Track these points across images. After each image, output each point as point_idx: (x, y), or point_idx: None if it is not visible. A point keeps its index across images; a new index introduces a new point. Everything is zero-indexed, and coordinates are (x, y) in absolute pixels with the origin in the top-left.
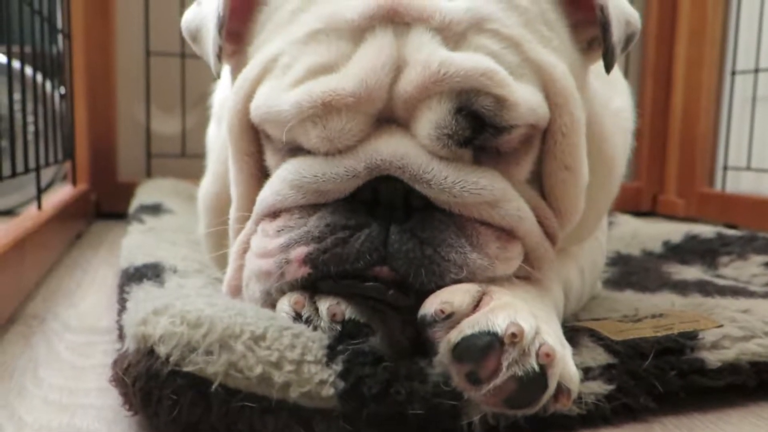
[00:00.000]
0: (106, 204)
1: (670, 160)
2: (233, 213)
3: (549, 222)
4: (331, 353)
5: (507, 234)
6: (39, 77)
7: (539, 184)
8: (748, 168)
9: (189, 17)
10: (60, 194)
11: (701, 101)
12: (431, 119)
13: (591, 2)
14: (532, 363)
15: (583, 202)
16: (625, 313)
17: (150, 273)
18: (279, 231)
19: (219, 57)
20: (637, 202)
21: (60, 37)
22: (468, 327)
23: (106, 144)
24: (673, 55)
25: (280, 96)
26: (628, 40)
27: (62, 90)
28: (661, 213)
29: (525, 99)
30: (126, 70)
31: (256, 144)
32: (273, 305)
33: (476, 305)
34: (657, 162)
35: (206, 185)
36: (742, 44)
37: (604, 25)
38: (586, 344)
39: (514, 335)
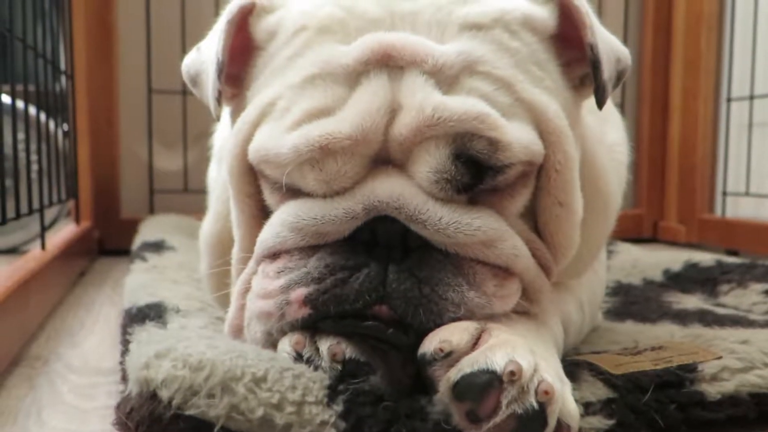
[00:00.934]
0: (109, 241)
1: (670, 187)
2: (236, 254)
3: (543, 256)
4: (332, 393)
5: (504, 271)
6: (42, 116)
7: (533, 218)
8: (747, 193)
9: (188, 62)
10: (63, 233)
11: (698, 129)
12: (429, 163)
13: (581, 41)
14: (531, 401)
15: (577, 238)
16: (625, 345)
17: (153, 314)
18: (279, 272)
19: (218, 100)
20: (638, 229)
21: (63, 76)
22: (467, 365)
23: (109, 182)
24: (668, 84)
25: (278, 139)
26: (619, 76)
27: (65, 127)
28: (663, 239)
29: (518, 138)
30: (128, 109)
31: (256, 185)
32: (274, 345)
33: (475, 343)
34: (657, 189)
35: (207, 225)
36: (737, 72)
37: (595, 64)
38: (586, 378)
39: (512, 373)
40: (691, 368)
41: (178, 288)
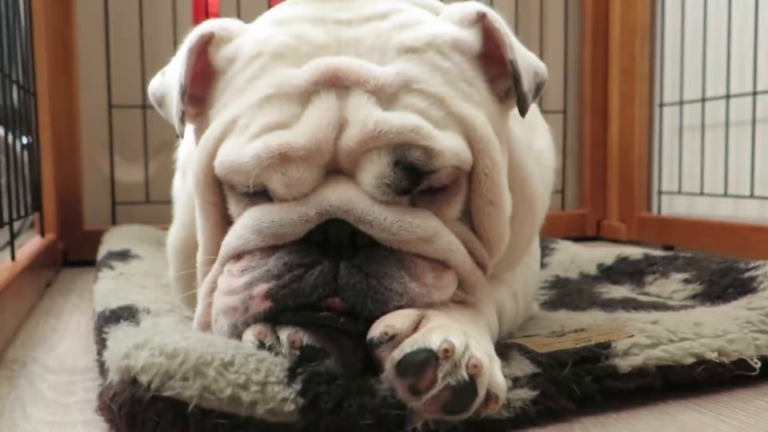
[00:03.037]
0: (73, 252)
1: (611, 187)
2: (200, 257)
3: (479, 252)
4: (292, 375)
5: (441, 265)
6: (1, 130)
7: (469, 220)
8: (680, 192)
9: (154, 86)
10: (30, 244)
11: (635, 132)
12: (373, 171)
13: (503, 58)
14: (463, 374)
15: (508, 233)
16: (553, 329)
17: (126, 314)
18: (243, 271)
19: (182, 120)
20: (583, 228)
21: (16, 88)
22: (408, 346)
23: (72, 195)
24: (607, 90)
25: (240, 150)
26: (538, 88)
27: (24, 140)
28: (606, 237)
29: (449, 146)
30: (90, 123)
31: (220, 195)
32: (239, 337)
33: (416, 327)
34: (599, 190)
35: (174, 233)
36: (668, 79)
37: (515, 77)
38: (515, 357)
39: (446, 351)
40: (605, 346)
41: (146, 292)
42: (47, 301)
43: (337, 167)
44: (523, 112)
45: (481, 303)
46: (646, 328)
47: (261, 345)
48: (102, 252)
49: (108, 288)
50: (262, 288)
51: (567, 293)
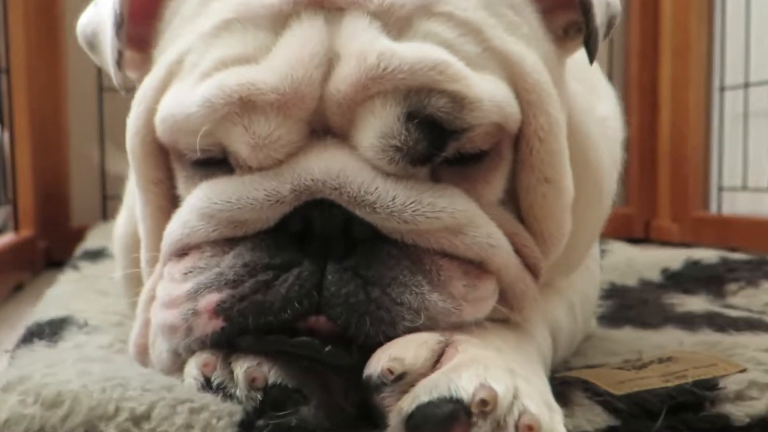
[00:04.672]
0: (58, 252)
1: (662, 183)
2: (143, 254)
3: (529, 250)
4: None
5: (476, 268)
6: None
7: (515, 205)
8: (745, 188)
9: (84, 21)
10: None
11: (689, 120)
12: (375, 126)
13: None
14: None
15: (569, 223)
16: (626, 356)
17: (47, 331)
18: (186, 274)
19: (119, 64)
20: (628, 229)
21: None
22: (424, 392)
23: (56, 187)
24: (657, 74)
25: (186, 97)
26: (610, 23)
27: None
28: (655, 239)
29: (489, 93)
30: (78, 107)
31: (165, 170)
32: (183, 369)
33: (437, 361)
34: (648, 186)
35: (120, 223)
36: (730, 59)
37: (585, 6)
38: (581, 402)
39: (484, 402)
40: (710, 385)
41: (100, 300)
42: (11, 307)
43: (324, 124)
44: (592, 54)
45: (530, 323)
46: (760, 358)
47: (206, 384)
48: (79, 250)
49: (56, 294)
50: (210, 299)
51: (628, 305)
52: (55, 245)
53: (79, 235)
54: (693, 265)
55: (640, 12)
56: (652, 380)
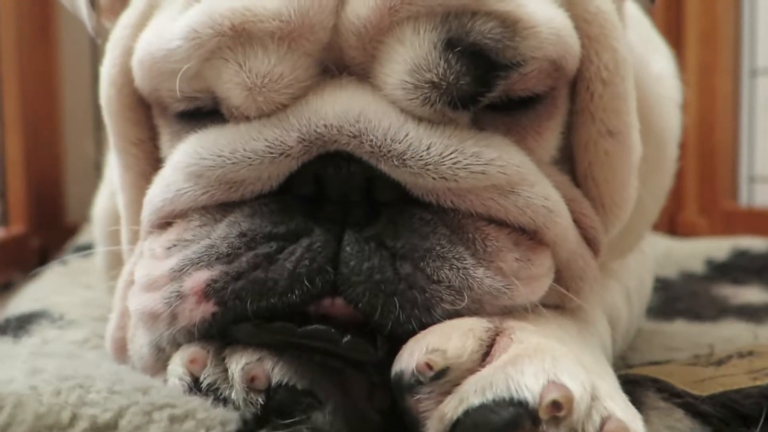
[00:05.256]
0: (53, 250)
1: (688, 174)
2: (124, 231)
3: (589, 221)
4: None
5: (529, 238)
6: None
7: (570, 167)
8: None
9: None
10: None
11: (717, 107)
12: (405, 58)
13: None
14: None
15: (634, 189)
16: (694, 351)
17: (13, 325)
18: (170, 248)
19: (93, 4)
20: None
21: None
22: (475, 392)
23: (50, 181)
24: (683, 59)
25: (166, 30)
26: None
27: None
28: (682, 235)
29: (546, 18)
30: (73, 96)
31: (147, 128)
32: (166, 366)
33: (486, 353)
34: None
35: (100, 200)
36: (761, 41)
37: None
38: (655, 404)
39: (556, 404)
40: None
41: (83, 293)
42: None
43: (338, 60)
44: None
45: (587, 308)
46: None
47: (194, 384)
48: (71, 246)
49: (37, 287)
50: (198, 278)
51: (675, 297)
52: (49, 243)
53: (75, 232)
54: (740, 254)
55: None
56: (738, 378)
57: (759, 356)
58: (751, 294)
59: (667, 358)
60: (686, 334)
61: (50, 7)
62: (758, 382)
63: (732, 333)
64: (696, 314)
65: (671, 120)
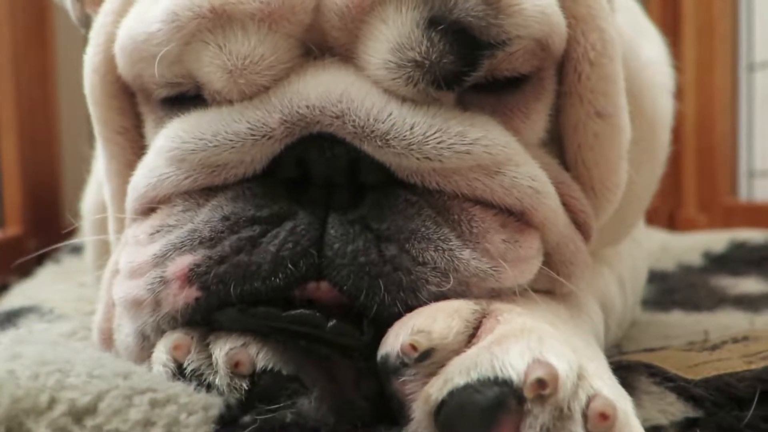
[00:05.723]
0: (51, 251)
1: (687, 170)
2: (111, 221)
3: (578, 203)
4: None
5: (516, 220)
6: None
7: (559, 150)
8: None
9: None
10: None
11: (715, 103)
12: (388, 37)
13: None
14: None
15: (624, 172)
16: (690, 338)
17: (2, 319)
18: (153, 234)
19: None
20: (651, 221)
21: None
22: (459, 372)
23: (47, 183)
24: (680, 54)
25: (146, 14)
26: None
27: None
28: (681, 231)
29: None
30: (69, 97)
31: (132, 116)
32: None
33: (473, 335)
34: (671, 173)
35: (89, 194)
36: (758, 36)
37: None
38: (647, 389)
39: (541, 382)
40: None
41: (76, 290)
42: None
43: (320, 41)
44: None
45: (581, 293)
46: None
47: (178, 370)
48: (65, 247)
49: (30, 285)
50: (181, 263)
51: (672, 289)
52: (45, 245)
53: (71, 234)
54: (738, 246)
55: None
56: (733, 362)
57: (754, 341)
58: (749, 285)
59: (663, 345)
60: (682, 323)
61: (46, 11)
62: (753, 366)
63: (729, 321)
64: (693, 305)
65: (663, 105)
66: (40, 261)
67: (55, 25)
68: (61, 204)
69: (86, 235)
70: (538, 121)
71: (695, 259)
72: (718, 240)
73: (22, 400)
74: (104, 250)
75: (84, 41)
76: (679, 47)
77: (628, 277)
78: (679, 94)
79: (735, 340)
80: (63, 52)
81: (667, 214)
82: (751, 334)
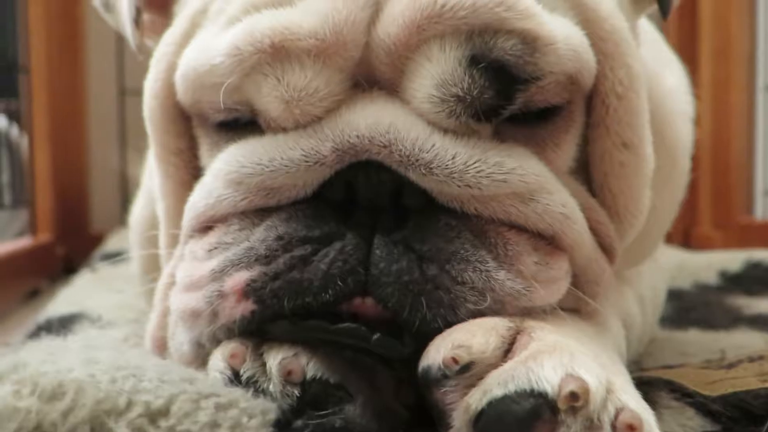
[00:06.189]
0: (78, 258)
1: (702, 188)
2: (162, 236)
3: (604, 228)
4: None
5: (548, 243)
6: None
7: (587, 177)
8: None
9: None
10: (6, 246)
11: (731, 122)
12: (432, 73)
13: None
14: None
15: (648, 200)
16: (707, 356)
17: (56, 325)
18: (211, 251)
19: (137, 23)
20: (667, 238)
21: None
22: (498, 384)
23: (76, 192)
24: (697, 75)
25: (210, 45)
26: None
27: None
28: (696, 248)
29: (564, 34)
30: (98, 110)
31: (187, 139)
32: (206, 362)
33: (508, 350)
34: (687, 192)
35: (138, 208)
36: None
37: None
38: (667, 404)
39: (573, 395)
40: None
41: (116, 297)
42: (24, 313)
43: (369, 75)
44: (666, 11)
45: (603, 314)
46: None
47: (235, 377)
48: (97, 254)
49: (72, 292)
50: (239, 278)
51: (689, 307)
52: (74, 251)
53: (98, 241)
54: (754, 266)
55: (678, 12)
56: (748, 380)
57: None
58: (764, 305)
59: (680, 363)
60: (699, 342)
61: (78, 27)
62: (767, 384)
63: (745, 340)
64: (709, 323)
65: (684, 133)
66: (67, 266)
67: (87, 41)
68: (88, 212)
69: (134, 248)
70: (568, 151)
71: (711, 277)
72: (734, 259)
73: (104, 402)
74: (152, 265)
75: (114, 58)
76: (695, 67)
77: (648, 297)
78: (695, 113)
79: (751, 359)
80: (94, 66)
81: (682, 231)
82: (766, 354)
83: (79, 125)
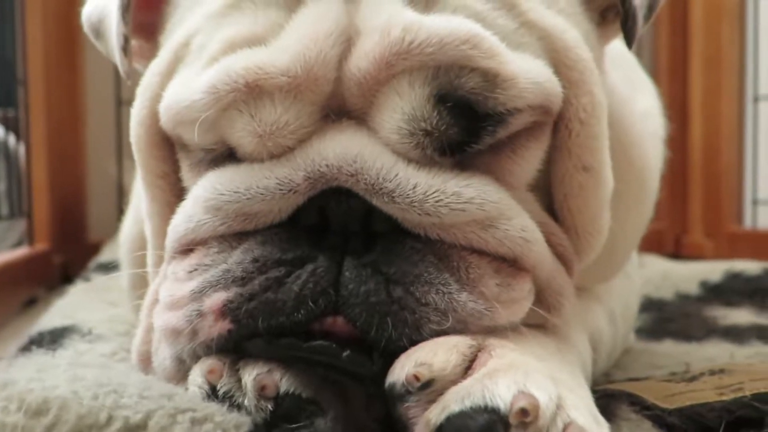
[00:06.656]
0: (75, 267)
1: (693, 197)
2: (150, 255)
3: (557, 239)
4: None
5: (509, 265)
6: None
7: (547, 197)
8: None
9: (90, 8)
10: (5, 255)
11: (722, 132)
12: (400, 108)
13: None
14: None
15: (606, 220)
16: (673, 369)
17: (47, 339)
18: (191, 272)
19: (125, 50)
20: (658, 245)
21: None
22: (455, 400)
23: (73, 201)
24: (687, 84)
25: (191, 83)
26: (651, 7)
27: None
28: (687, 256)
29: (525, 70)
30: (96, 120)
31: (171, 162)
32: (186, 377)
33: (468, 367)
34: (678, 200)
35: (126, 225)
36: (763, 68)
37: None
38: (626, 416)
39: (524, 411)
40: None
41: (109, 310)
42: (21, 321)
43: (339, 107)
44: (630, 38)
45: (568, 328)
46: None
47: (212, 392)
48: (93, 264)
49: (65, 303)
50: (217, 299)
51: (667, 318)
52: (71, 260)
53: (96, 249)
54: (734, 277)
55: (669, 21)
56: (706, 393)
57: (729, 374)
58: (740, 315)
59: (647, 375)
60: (671, 354)
61: (75, 35)
62: (724, 398)
63: (714, 353)
64: (685, 335)
65: (653, 155)
66: (64, 275)
67: (85, 49)
68: (86, 221)
69: (123, 266)
70: (530, 166)
71: (693, 288)
72: (715, 270)
73: (86, 417)
74: (141, 282)
75: (111, 70)
76: (687, 76)
77: (618, 312)
78: (686, 121)
79: (712, 372)
80: (91, 76)
81: (673, 239)
82: (728, 367)
83: (77, 135)
